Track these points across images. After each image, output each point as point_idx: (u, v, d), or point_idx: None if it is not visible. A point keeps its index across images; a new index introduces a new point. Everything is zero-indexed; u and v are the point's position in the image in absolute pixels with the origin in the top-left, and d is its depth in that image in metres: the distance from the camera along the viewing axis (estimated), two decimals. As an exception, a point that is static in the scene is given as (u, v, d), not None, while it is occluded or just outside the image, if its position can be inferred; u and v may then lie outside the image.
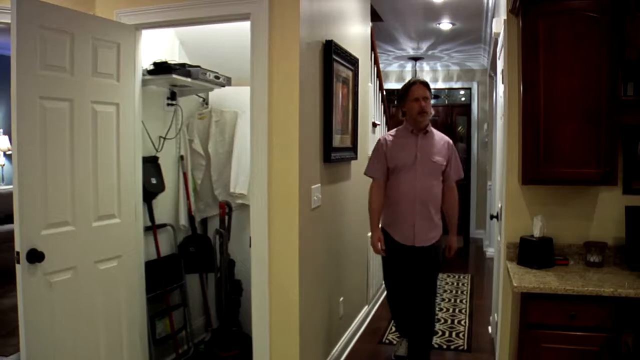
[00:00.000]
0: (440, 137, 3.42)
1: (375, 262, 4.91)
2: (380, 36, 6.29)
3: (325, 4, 3.28)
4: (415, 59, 7.93)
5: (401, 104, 3.50)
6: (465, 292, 5.51)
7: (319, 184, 3.18)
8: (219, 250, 3.73)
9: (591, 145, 2.54)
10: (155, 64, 3.28)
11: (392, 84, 8.88)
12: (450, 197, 3.44)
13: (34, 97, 2.47)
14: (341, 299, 3.77)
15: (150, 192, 3.35)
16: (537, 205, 2.87)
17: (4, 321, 4.49)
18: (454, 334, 4.25)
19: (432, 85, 10.21)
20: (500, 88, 3.67)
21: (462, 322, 4.54)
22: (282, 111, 2.81)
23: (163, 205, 3.63)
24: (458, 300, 5.20)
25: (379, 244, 3.40)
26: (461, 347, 3.98)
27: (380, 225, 3.46)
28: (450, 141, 3.44)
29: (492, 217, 3.95)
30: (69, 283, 2.66)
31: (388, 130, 6.13)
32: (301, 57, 2.81)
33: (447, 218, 3.48)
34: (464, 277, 6.15)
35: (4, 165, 7.09)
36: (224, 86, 3.67)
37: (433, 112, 3.29)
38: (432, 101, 10.79)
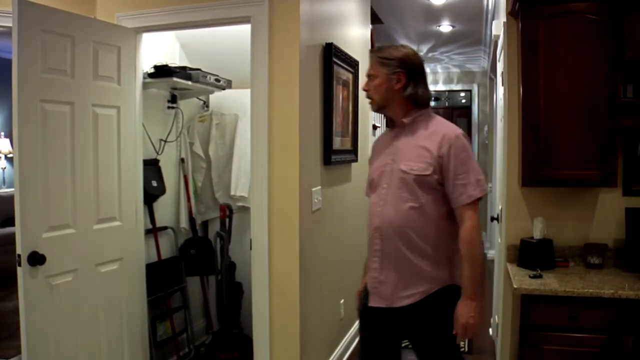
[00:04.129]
0: (433, 132, 2.06)
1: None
2: (381, 38, 6.29)
3: (325, 7, 3.29)
4: (415, 61, 7.94)
5: None
6: (466, 294, 5.50)
7: (320, 187, 3.18)
8: (219, 252, 3.73)
9: (591, 147, 2.54)
10: (155, 67, 3.29)
11: (393, 86, 8.89)
12: (460, 235, 2.00)
13: (35, 100, 2.48)
14: (342, 301, 3.77)
15: (151, 195, 3.36)
16: (537, 207, 2.87)
17: (5, 323, 4.49)
18: (454, 336, 4.24)
19: (432, 88, 10.19)
20: (501, 90, 3.67)
21: (463, 324, 4.53)
22: (283, 114, 2.82)
23: (164, 208, 3.64)
24: (459, 302, 5.19)
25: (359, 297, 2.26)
26: (462, 349, 3.98)
27: None
28: (455, 135, 2.02)
29: (492, 219, 3.96)
30: (70, 286, 2.66)
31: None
32: (301, 60, 2.82)
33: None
34: (464, 279, 6.14)
35: (5, 168, 7.10)
36: (224, 89, 3.68)
37: (414, 92, 2.08)
38: (432, 103, 10.73)
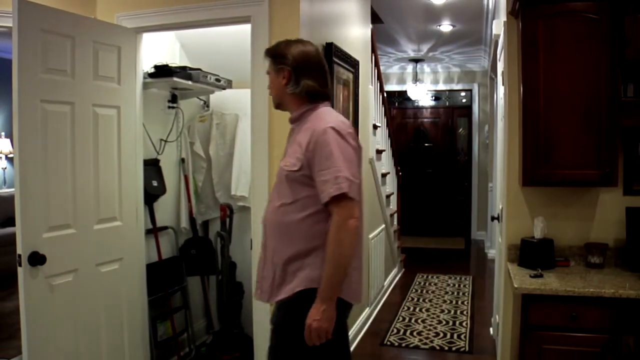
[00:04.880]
0: (310, 126, 1.96)
1: (376, 264, 4.92)
2: (381, 38, 6.29)
3: (325, 7, 3.29)
4: (416, 60, 7.94)
5: None
6: (466, 294, 5.51)
7: (320, 186, 3.18)
8: (220, 252, 3.73)
9: (591, 146, 2.54)
10: (156, 67, 3.29)
11: (393, 86, 8.90)
12: (328, 235, 1.88)
13: (36, 100, 2.48)
14: (342, 301, 3.76)
15: (152, 195, 3.36)
16: (537, 206, 2.87)
17: (6, 324, 4.49)
18: (455, 336, 4.24)
19: (432, 87, 10.18)
20: (501, 90, 3.67)
21: (464, 324, 4.53)
22: (283, 114, 2.80)
23: (164, 208, 3.64)
24: (459, 302, 5.20)
25: None
26: (462, 349, 3.98)
27: None
28: (322, 129, 1.89)
29: (493, 218, 3.96)
30: (71, 286, 2.66)
31: (389, 135, 6.15)
32: (301, 60, 2.81)
33: None
34: (465, 279, 6.15)
35: (5, 168, 7.10)
36: (224, 89, 3.68)
37: (296, 89, 2.01)
38: (433, 102, 10.67)
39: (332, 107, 2.91)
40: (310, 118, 1.99)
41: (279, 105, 2.12)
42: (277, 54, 2.04)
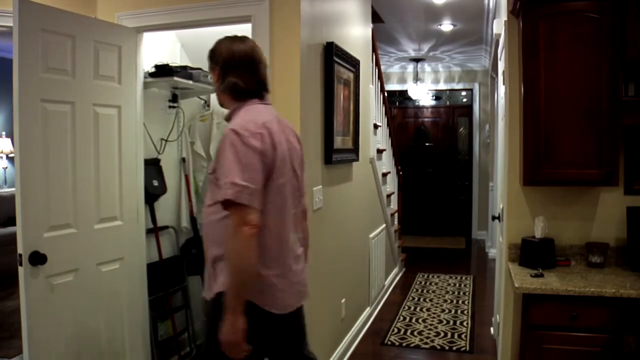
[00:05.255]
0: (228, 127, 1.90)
1: (377, 264, 4.91)
2: (382, 37, 6.29)
3: (326, 6, 3.28)
4: (416, 60, 7.94)
5: None
6: (467, 294, 5.51)
7: (321, 186, 3.18)
8: (220, 252, 3.73)
9: (592, 146, 2.54)
10: (156, 66, 3.29)
11: (394, 86, 8.89)
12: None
13: (36, 100, 2.48)
14: (343, 300, 3.77)
15: (152, 195, 3.36)
16: (538, 206, 2.87)
17: (7, 323, 4.50)
18: (456, 335, 4.24)
19: (433, 87, 10.19)
20: (502, 89, 3.67)
21: (465, 323, 4.53)
22: (283, 113, 2.81)
23: (165, 208, 3.64)
24: (460, 302, 5.20)
25: None
26: (463, 348, 3.98)
27: None
28: (227, 131, 1.84)
29: (493, 218, 3.95)
30: (71, 285, 2.66)
31: (389, 134, 6.15)
32: (302, 59, 2.82)
33: None
34: (466, 279, 6.14)
35: (6, 167, 7.10)
36: (225, 88, 3.67)
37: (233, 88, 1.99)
38: (434, 102, 10.67)
39: (334, 109, 2.89)
40: (234, 117, 1.95)
41: (221, 104, 2.08)
42: (211, 54, 2.05)
